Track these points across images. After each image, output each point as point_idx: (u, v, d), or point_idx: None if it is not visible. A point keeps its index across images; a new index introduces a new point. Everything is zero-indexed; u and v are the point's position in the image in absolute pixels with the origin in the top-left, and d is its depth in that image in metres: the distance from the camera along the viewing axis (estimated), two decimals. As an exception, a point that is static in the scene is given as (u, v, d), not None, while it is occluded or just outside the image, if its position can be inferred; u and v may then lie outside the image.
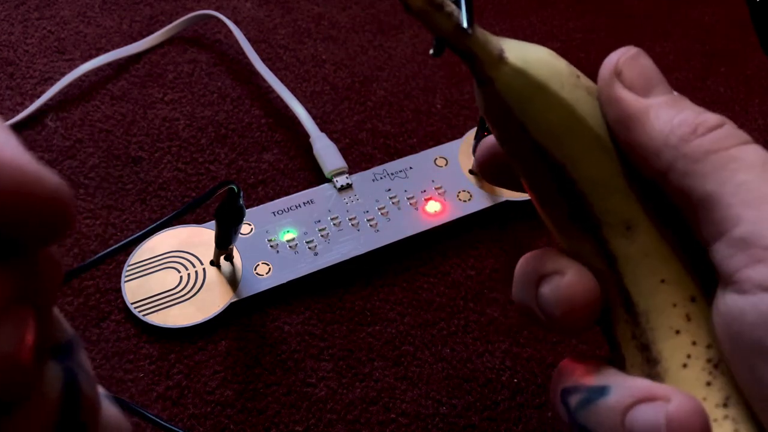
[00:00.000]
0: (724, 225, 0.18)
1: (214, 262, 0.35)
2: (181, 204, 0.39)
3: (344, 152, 0.41)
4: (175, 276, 0.35)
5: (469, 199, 0.39)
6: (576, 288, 0.20)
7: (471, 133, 0.43)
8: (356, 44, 0.50)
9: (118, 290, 0.35)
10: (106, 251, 0.32)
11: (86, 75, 0.45)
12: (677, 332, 0.20)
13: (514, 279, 0.23)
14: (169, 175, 0.40)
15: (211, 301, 0.34)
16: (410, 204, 0.39)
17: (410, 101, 0.46)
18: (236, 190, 0.30)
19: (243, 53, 0.45)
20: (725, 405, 0.19)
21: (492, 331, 0.36)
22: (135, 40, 0.47)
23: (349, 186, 0.39)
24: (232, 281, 0.35)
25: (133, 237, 0.32)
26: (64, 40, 0.47)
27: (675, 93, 0.21)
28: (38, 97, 0.43)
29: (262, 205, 0.38)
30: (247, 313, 0.35)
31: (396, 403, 0.33)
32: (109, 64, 0.45)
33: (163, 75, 0.46)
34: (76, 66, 0.45)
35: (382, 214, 0.38)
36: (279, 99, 0.43)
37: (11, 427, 0.14)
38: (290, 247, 0.36)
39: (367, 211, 0.38)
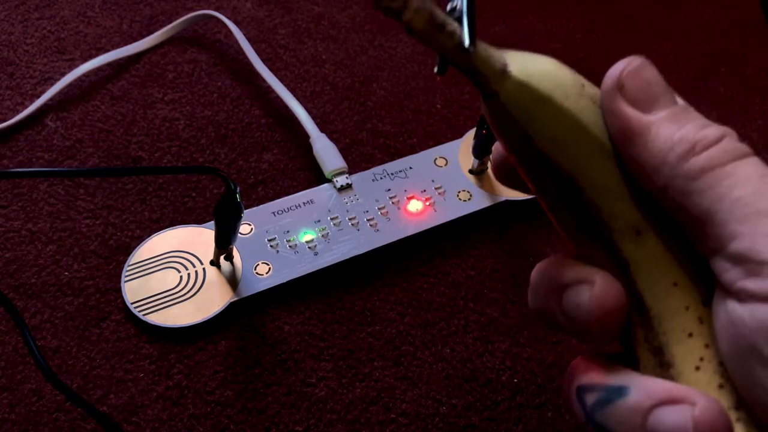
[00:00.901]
0: (720, 241, 0.19)
1: (214, 262, 0.35)
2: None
3: (344, 152, 0.41)
4: (175, 276, 0.35)
5: (469, 199, 0.39)
6: (608, 296, 0.21)
7: (471, 133, 0.43)
8: (356, 44, 0.50)
9: (118, 290, 0.35)
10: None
11: (86, 75, 0.45)
12: (690, 335, 0.20)
13: (531, 288, 0.23)
14: (169, 175, 0.40)
15: (211, 300, 0.34)
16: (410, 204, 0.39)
17: (410, 101, 0.46)
18: (232, 185, 0.30)
19: (243, 53, 0.45)
20: (737, 408, 0.19)
21: (492, 331, 0.36)
22: (135, 40, 0.47)
23: (349, 186, 0.39)
24: (232, 281, 0.35)
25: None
26: (64, 40, 0.47)
27: (680, 103, 0.21)
28: (38, 97, 0.43)
29: (262, 205, 0.38)
30: (247, 313, 0.35)
31: (396, 403, 0.33)
32: (109, 64, 0.45)
33: (163, 75, 0.46)
34: (76, 66, 0.45)
35: (382, 214, 0.38)
36: (279, 99, 0.43)
37: None
38: (290, 247, 0.36)
39: (367, 211, 0.38)
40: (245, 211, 0.37)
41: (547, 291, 0.22)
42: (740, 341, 0.18)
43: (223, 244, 0.34)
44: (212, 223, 0.33)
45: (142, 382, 0.33)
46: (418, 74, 0.48)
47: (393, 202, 0.39)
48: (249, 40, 0.45)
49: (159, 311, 0.34)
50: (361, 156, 0.43)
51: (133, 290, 0.34)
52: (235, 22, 0.47)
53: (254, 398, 0.33)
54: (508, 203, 0.40)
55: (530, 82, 0.20)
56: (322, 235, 0.37)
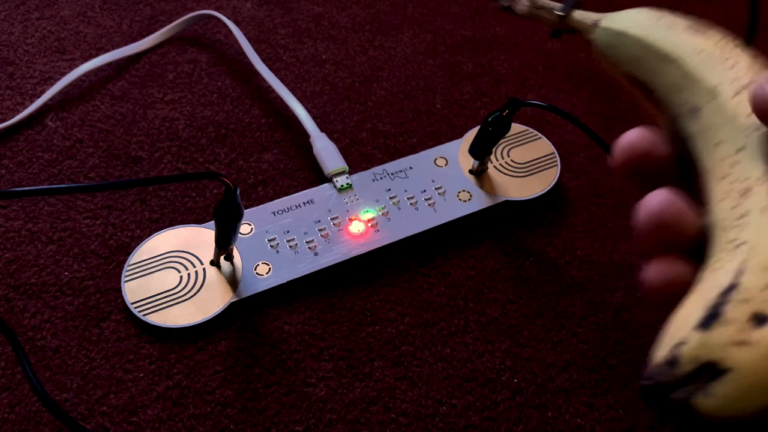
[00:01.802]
0: None
1: (214, 262, 0.35)
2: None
3: (344, 152, 0.41)
4: (175, 276, 0.35)
5: (469, 199, 0.39)
6: (633, 135, 0.25)
7: (471, 133, 0.43)
8: (356, 44, 0.50)
9: (118, 290, 0.35)
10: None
11: (86, 75, 0.45)
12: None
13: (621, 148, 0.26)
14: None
15: (211, 300, 0.34)
16: (410, 204, 0.39)
17: (410, 101, 0.46)
18: (233, 187, 0.30)
19: (243, 53, 0.45)
20: None
21: (492, 331, 0.36)
22: (135, 40, 0.47)
23: (349, 186, 0.39)
24: (232, 281, 0.35)
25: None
26: (64, 40, 0.47)
27: None
28: (38, 97, 0.43)
29: (262, 205, 0.38)
30: (247, 313, 0.35)
31: (396, 403, 0.33)
32: (109, 64, 0.45)
33: (163, 75, 0.46)
34: (76, 66, 0.45)
35: (382, 214, 0.38)
36: (279, 99, 0.43)
37: None
38: (290, 247, 0.36)
39: (367, 211, 0.38)
40: (245, 211, 0.37)
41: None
42: None
43: (224, 244, 0.34)
44: (212, 223, 0.33)
45: (142, 382, 0.33)
46: (418, 74, 0.48)
47: (393, 203, 0.39)
48: (249, 40, 0.46)
49: (159, 312, 0.34)
50: (361, 156, 0.43)
51: (133, 290, 0.34)
52: (235, 22, 0.47)
53: (254, 398, 0.33)
54: (508, 203, 0.40)
55: (610, 26, 0.28)
56: (323, 235, 0.37)
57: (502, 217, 0.40)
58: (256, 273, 0.35)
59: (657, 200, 0.23)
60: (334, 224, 0.38)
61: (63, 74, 0.44)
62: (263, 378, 0.33)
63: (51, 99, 0.43)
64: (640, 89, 0.28)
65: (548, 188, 0.40)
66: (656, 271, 0.23)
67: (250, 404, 0.32)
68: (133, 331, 0.34)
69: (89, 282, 0.35)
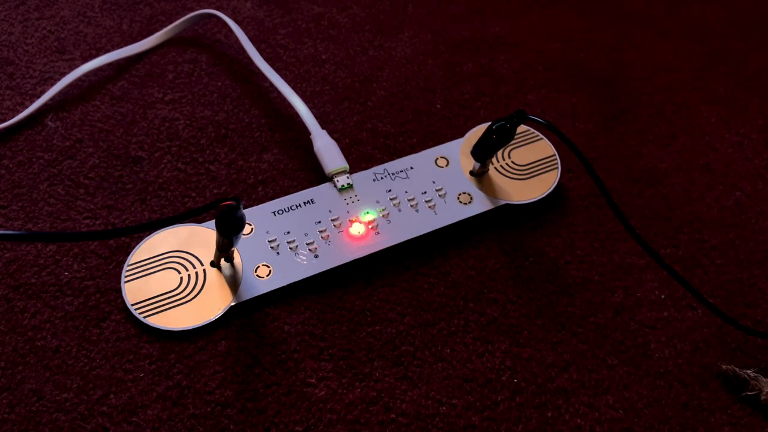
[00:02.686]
0: None
1: (215, 263, 0.35)
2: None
3: (344, 152, 0.41)
4: (175, 277, 0.35)
5: (470, 202, 0.39)
6: None
7: (472, 133, 0.43)
8: (356, 44, 0.50)
9: (118, 290, 0.35)
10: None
11: (86, 75, 0.45)
12: None
13: None
14: (169, 175, 0.40)
15: (211, 303, 0.34)
16: (411, 206, 0.39)
17: (410, 101, 0.46)
18: (237, 203, 0.30)
19: (243, 53, 0.45)
20: None
21: (492, 331, 0.36)
22: (135, 40, 0.47)
23: (349, 186, 0.39)
24: (233, 283, 0.35)
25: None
26: (64, 40, 0.47)
27: None
28: (38, 97, 0.43)
29: (262, 205, 0.38)
30: (247, 313, 0.35)
31: (396, 403, 0.33)
32: (109, 64, 0.45)
33: (163, 75, 0.46)
34: (76, 66, 0.45)
35: (382, 216, 0.38)
36: (279, 98, 0.43)
37: None
38: (291, 248, 0.36)
39: (368, 212, 0.38)
40: (245, 211, 0.37)
41: None
42: None
43: (225, 249, 0.34)
44: (212, 222, 0.33)
45: (142, 382, 0.33)
46: (418, 74, 0.48)
47: (394, 204, 0.39)
48: (249, 40, 0.45)
49: (159, 313, 0.34)
50: (361, 156, 0.43)
51: (133, 291, 0.34)
52: (235, 22, 0.47)
53: (254, 398, 0.33)
54: (508, 207, 0.40)
55: None
56: (323, 237, 0.37)
57: (502, 218, 0.40)
58: (257, 275, 0.35)
59: None
60: (334, 225, 0.38)
61: (63, 74, 0.44)
62: (263, 378, 0.33)
63: (51, 99, 0.43)
64: None
65: (549, 191, 0.40)
66: None
67: (250, 404, 0.32)
68: (133, 331, 0.34)
69: (89, 282, 0.35)
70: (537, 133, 0.43)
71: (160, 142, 0.42)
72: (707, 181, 0.44)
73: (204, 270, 0.35)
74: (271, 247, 0.36)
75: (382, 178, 0.40)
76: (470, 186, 0.40)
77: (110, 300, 0.35)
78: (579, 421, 0.33)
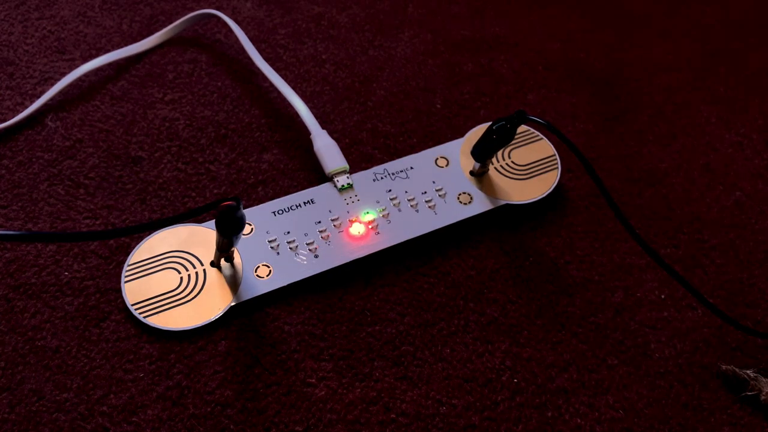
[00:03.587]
0: None
1: (215, 263, 0.35)
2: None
3: (344, 152, 0.41)
4: (175, 277, 0.35)
5: (470, 202, 0.39)
6: None
7: (472, 133, 0.43)
8: (356, 44, 0.50)
9: (118, 290, 0.35)
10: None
11: (86, 75, 0.45)
12: None
13: None
14: (169, 175, 0.40)
15: (211, 303, 0.34)
16: (411, 206, 0.39)
17: (410, 101, 0.46)
18: (237, 204, 0.30)
19: (243, 53, 0.45)
20: None
21: (492, 331, 0.36)
22: (135, 40, 0.47)
23: (349, 186, 0.39)
24: (232, 283, 0.35)
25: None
26: (64, 40, 0.47)
27: None
28: (38, 97, 0.43)
29: (262, 205, 0.38)
30: (247, 313, 0.35)
31: (396, 403, 0.33)
32: (109, 64, 0.45)
33: (163, 75, 0.46)
34: (76, 66, 0.45)
35: (382, 216, 0.38)
36: (279, 98, 0.43)
37: None
38: (291, 248, 0.36)
39: (368, 212, 0.38)
40: (245, 211, 0.37)
41: None
42: None
43: (225, 249, 0.34)
44: (212, 222, 0.33)
45: (142, 382, 0.33)
46: (418, 74, 0.48)
47: (394, 204, 0.39)
48: (249, 40, 0.45)
49: (159, 313, 0.34)
50: (361, 156, 0.43)
51: (133, 291, 0.34)
52: (235, 22, 0.47)
53: (254, 398, 0.33)
54: (508, 207, 0.40)
55: None
56: (323, 237, 0.37)
57: (502, 218, 0.40)
58: (257, 275, 0.35)
59: None
60: (334, 225, 0.38)
61: (63, 74, 0.44)
62: (263, 378, 0.33)
63: (51, 99, 0.43)
64: None
65: (549, 191, 0.40)
66: None
67: (250, 404, 0.32)
68: (133, 331, 0.34)
69: (89, 282, 0.35)
70: (537, 133, 0.43)
71: (160, 142, 0.42)
72: (707, 181, 0.44)
73: (204, 270, 0.35)
74: (271, 247, 0.36)
75: (382, 178, 0.40)
76: (470, 186, 0.40)
77: (110, 300, 0.35)
78: (579, 421, 0.33)
